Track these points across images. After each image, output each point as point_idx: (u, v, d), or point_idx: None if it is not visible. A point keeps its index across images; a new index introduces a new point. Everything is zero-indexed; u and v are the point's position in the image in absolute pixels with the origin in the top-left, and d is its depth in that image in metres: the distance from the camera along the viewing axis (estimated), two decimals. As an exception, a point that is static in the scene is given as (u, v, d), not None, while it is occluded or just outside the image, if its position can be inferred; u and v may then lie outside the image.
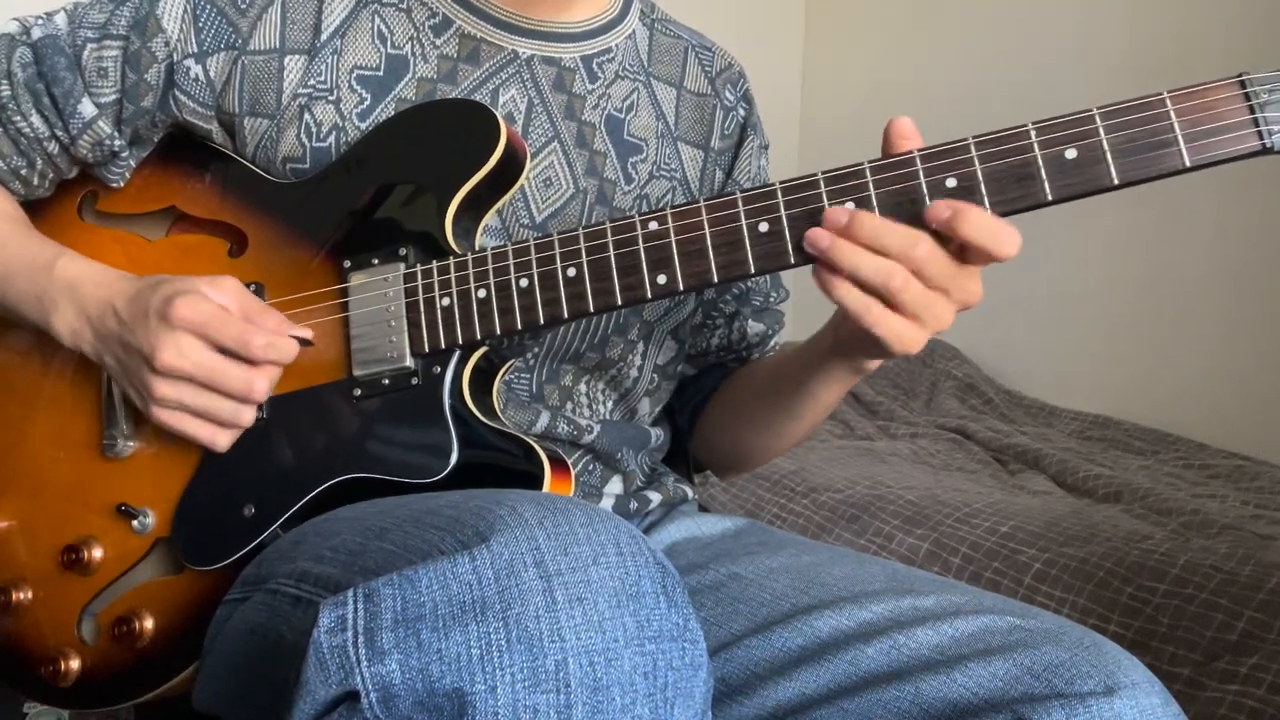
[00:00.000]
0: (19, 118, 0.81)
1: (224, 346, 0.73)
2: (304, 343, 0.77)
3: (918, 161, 0.67)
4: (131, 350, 0.74)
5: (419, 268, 0.76)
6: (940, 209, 0.65)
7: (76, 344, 0.78)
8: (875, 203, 0.67)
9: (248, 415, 0.75)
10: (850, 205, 0.66)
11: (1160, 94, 0.63)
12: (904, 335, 0.67)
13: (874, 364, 0.81)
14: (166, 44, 0.81)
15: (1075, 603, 1.36)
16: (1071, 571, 1.39)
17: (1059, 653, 0.64)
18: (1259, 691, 1.15)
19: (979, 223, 0.64)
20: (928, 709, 0.66)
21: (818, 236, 0.66)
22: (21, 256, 0.80)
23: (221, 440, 0.76)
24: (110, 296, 0.76)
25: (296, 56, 0.82)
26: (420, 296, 0.76)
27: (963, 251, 0.66)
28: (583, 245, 0.72)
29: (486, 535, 0.52)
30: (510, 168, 0.78)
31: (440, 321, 0.75)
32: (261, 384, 0.74)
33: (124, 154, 0.85)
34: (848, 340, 0.76)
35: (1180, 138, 0.63)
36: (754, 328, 1.00)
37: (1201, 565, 1.32)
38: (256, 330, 0.73)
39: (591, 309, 0.72)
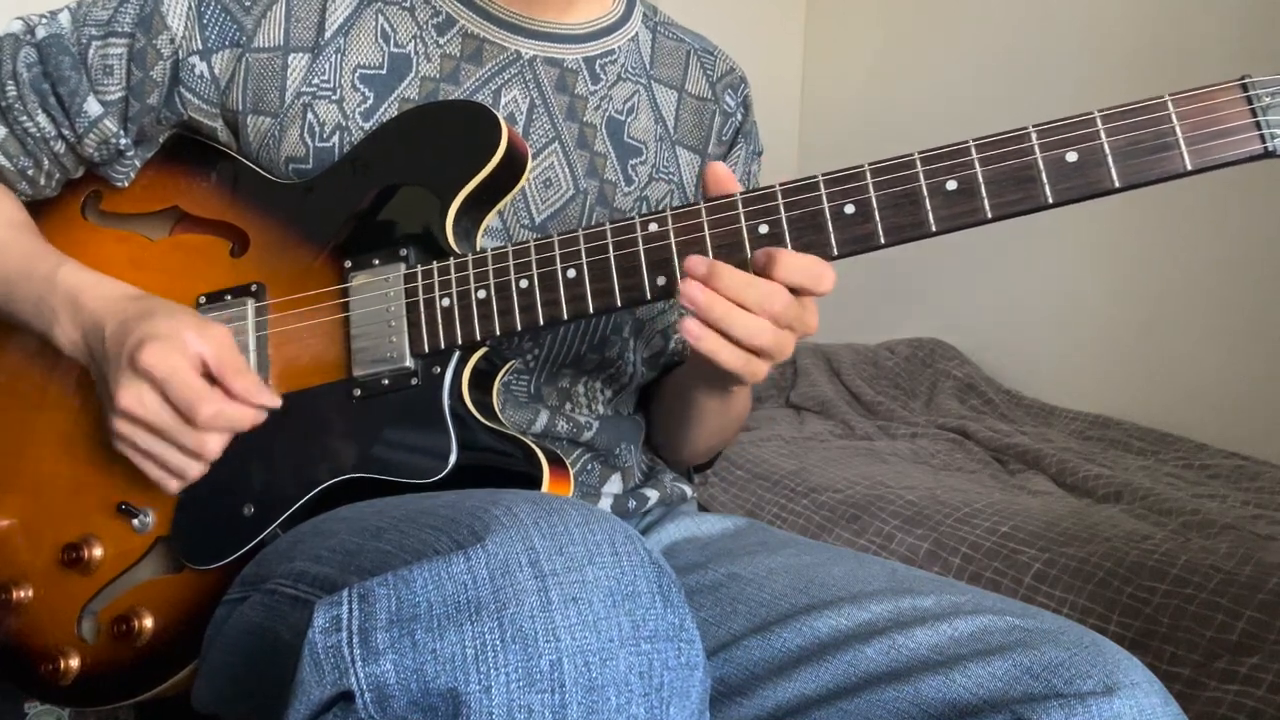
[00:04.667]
0: (25, 118, 0.81)
1: (175, 406, 0.73)
2: (270, 411, 0.76)
3: (918, 164, 0.67)
4: (104, 381, 0.76)
5: (419, 268, 0.76)
6: (758, 257, 0.68)
7: (75, 355, 0.79)
8: (875, 204, 0.67)
9: (195, 470, 0.75)
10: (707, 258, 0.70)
11: (1162, 97, 0.63)
12: (757, 370, 0.71)
13: (734, 386, 0.83)
14: (172, 41, 0.81)
15: (1075, 603, 1.36)
16: (1071, 571, 1.39)
17: (1058, 653, 0.64)
18: (1259, 691, 1.15)
19: (794, 266, 0.67)
20: (927, 709, 0.66)
21: (693, 289, 0.68)
22: (25, 263, 0.80)
23: (170, 486, 0.76)
24: (103, 317, 0.76)
25: (300, 54, 0.82)
26: (420, 297, 0.76)
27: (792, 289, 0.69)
28: (582, 246, 0.72)
29: (482, 535, 0.52)
30: (511, 169, 0.78)
31: (440, 322, 0.75)
32: (213, 445, 0.74)
33: (129, 153, 0.85)
34: (707, 373, 0.82)
35: (1182, 141, 0.63)
36: None
37: (1201, 565, 1.32)
38: (209, 399, 0.72)
39: (591, 310, 0.72)
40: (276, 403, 0.76)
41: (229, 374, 0.74)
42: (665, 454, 1.01)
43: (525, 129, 0.86)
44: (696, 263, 0.68)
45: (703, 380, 0.87)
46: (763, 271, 0.68)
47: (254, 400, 0.75)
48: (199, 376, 0.73)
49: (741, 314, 0.68)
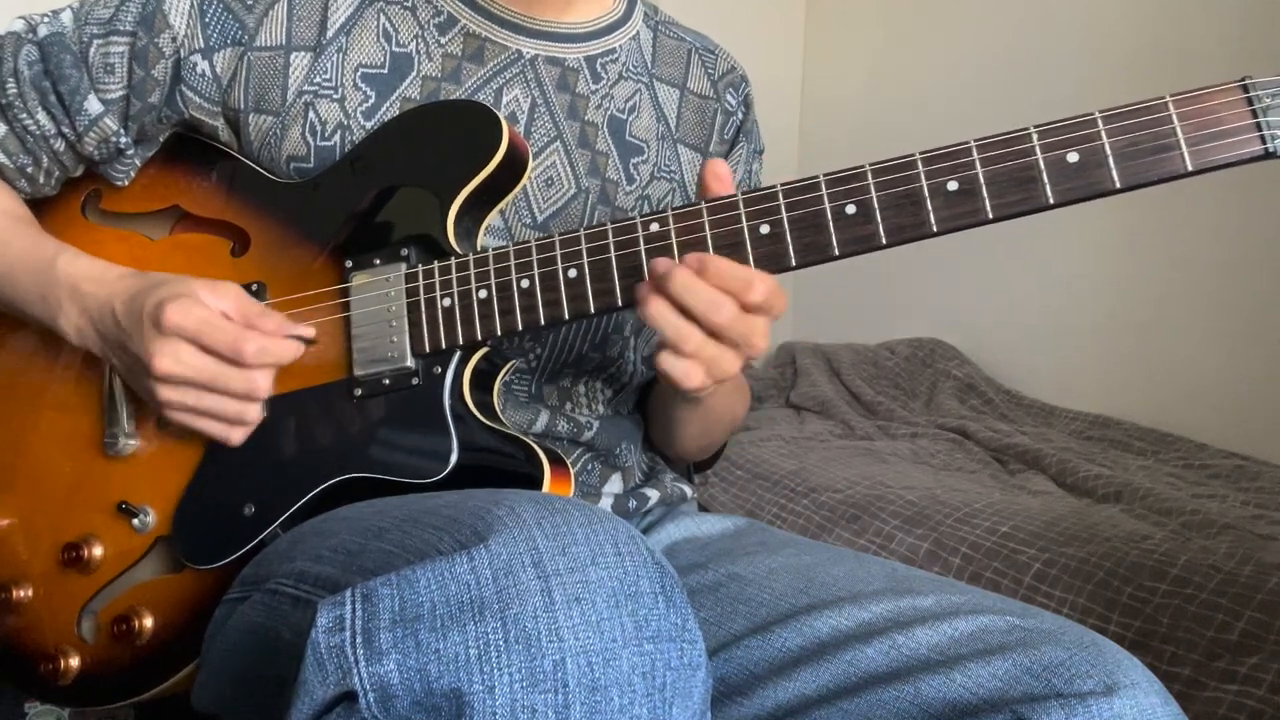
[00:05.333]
0: (25, 115, 0.81)
1: (218, 352, 0.73)
2: (306, 341, 0.77)
3: (919, 164, 0.67)
4: (131, 355, 0.75)
5: (420, 268, 0.76)
6: (689, 260, 0.67)
7: (83, 343, 0.78)
8: (876, 205, 0.67)
9: (254, 412, 0.76)
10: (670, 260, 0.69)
11: (1163, 98, 0.63)
12: (690, 376, 0.69)
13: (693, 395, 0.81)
14: (174, 40, 0.81)
15: (1075, 603, 1.36)
16: (1071, 571, 1.39)
17: (1058, 652, 0.64)
18: (1259, 691, 1.15)
19: (725, 272, 0.67)
20: (927, 709, 0.66)
21: (638, 288, 0.69)
22: (25, 254, 0.81)
23: (235, 436, 0.76)
24: (110, 297, 0.76)
25: (302, 53, 0.82)
26: (421, 297, 0.76)
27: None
28: (584, 246, 0.72)
29: (485, 535, 0.52)
30: (512, 168, 0.78)
31: (441, 322, 0.75)
32: (263, 382, 0.74)
33: (129, 152, 0.85)
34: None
35: (1182, 141, 0.63)
36: None
37: (1201, 565, 1.32)
38: (249, 336, 0.73)
39: (592, 310, 0.72)
40: (311, 332, 0.77)
41: (255, 317, 0.75)
42: (661, 452, 1.01)
43: (526, 128, 0.86)
44: (656, 263, 0.69)
45: (669, 389, 0.86)
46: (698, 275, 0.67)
47: (288, 333, 0.76)
48: (228, 321, 0.73)
49: (673, 314, 0.68)
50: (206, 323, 0.72)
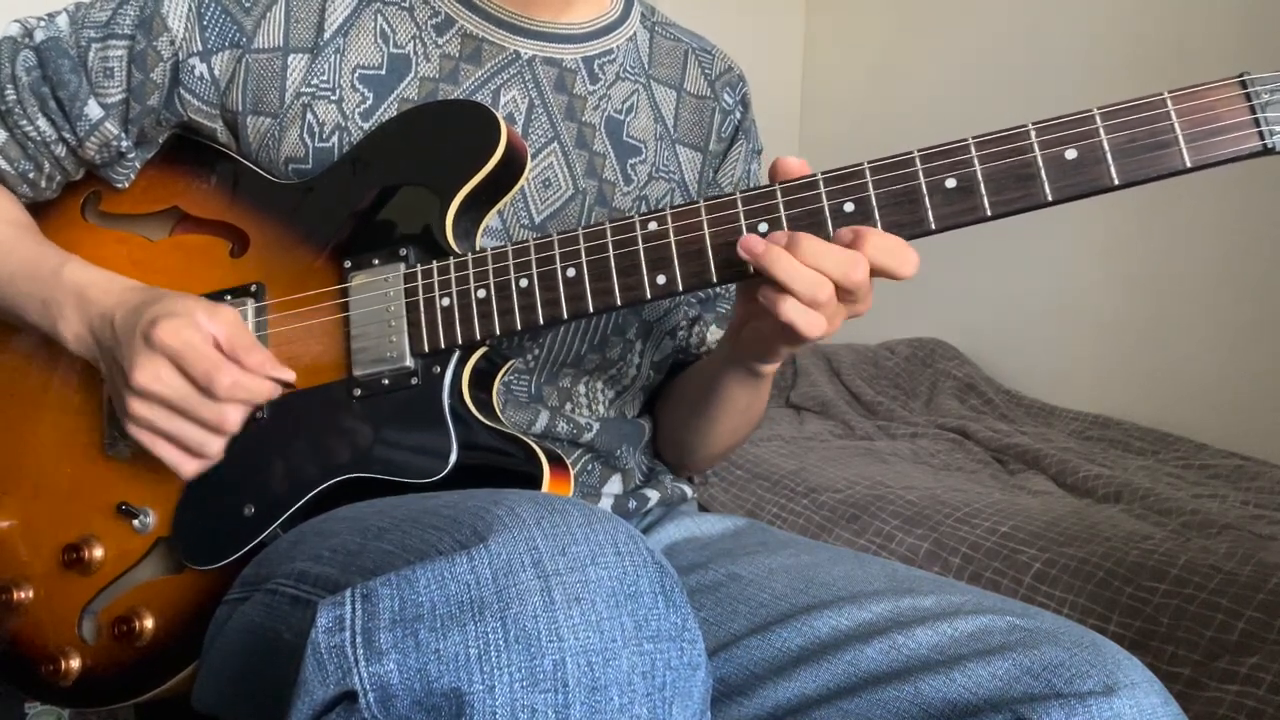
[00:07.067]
0: (25, 122, 0.81)
1: (193, 378, 0.72)
2: (285, 385, 0.77)
3: (918, 162, 0.67)
4: (116, 365, 0.75)
5: (419, 268, 0.76)
6: (843, 234, 0.67)
7: (80, 350, 0.78)
8: (875, 203, 0.67)
9: (216, 446, 0.75)
10: (764, 226, 0.70)
11: (1161, 94, 0.63)
12: (816, 325, 0.69)
13: (766, 367, 0.81)
14: (172, 43, 0.81)
15: (1075, 603, 1.36)
16: (1071, 571, 1.39)
17: (1058, 652, 0.64)
18: (1259, 691, 1.15)
19: (879, 245, 0.66)
20: (927, 709, 0.66)
21: (751, 243, 0.68)
22: (28, 261, 0.80)
23: (187, 468, 0.75)
24: (113, 307, 0.76)
25: (299, 55, 0.82)
26: (420, 296, 0.76)
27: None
28: (582, 245, 0.72)
29: (484, 535, 0.52)
30: (510, 168, 0.78)
31: (440, 321, 0.75)
32: (234, 416, 0.74)
33: (130, 155, 0.85)
34: (748, 341, 0.79)
35: (1181, 138, 0.63)
36: (714, 334, 0.99)
37: (1201, 565, 1.32)
38: (227, 369, 0.72)
39: (591, 309, 0.72)
40: (291, 376, 0.76)
41: (241, 351, 0.74)
42: (680, 456, 1.00)
43: (524, 129, 0.86)
44: (777, 235, 0.68)
45: (735, 366, 0.85)
46: (850, 248, 0.67)
47: (269, 374, 0.75)
48: (214, 349, 0.73)
49: (807, 271, 0.66)
50: (191, 346, 0.72)
